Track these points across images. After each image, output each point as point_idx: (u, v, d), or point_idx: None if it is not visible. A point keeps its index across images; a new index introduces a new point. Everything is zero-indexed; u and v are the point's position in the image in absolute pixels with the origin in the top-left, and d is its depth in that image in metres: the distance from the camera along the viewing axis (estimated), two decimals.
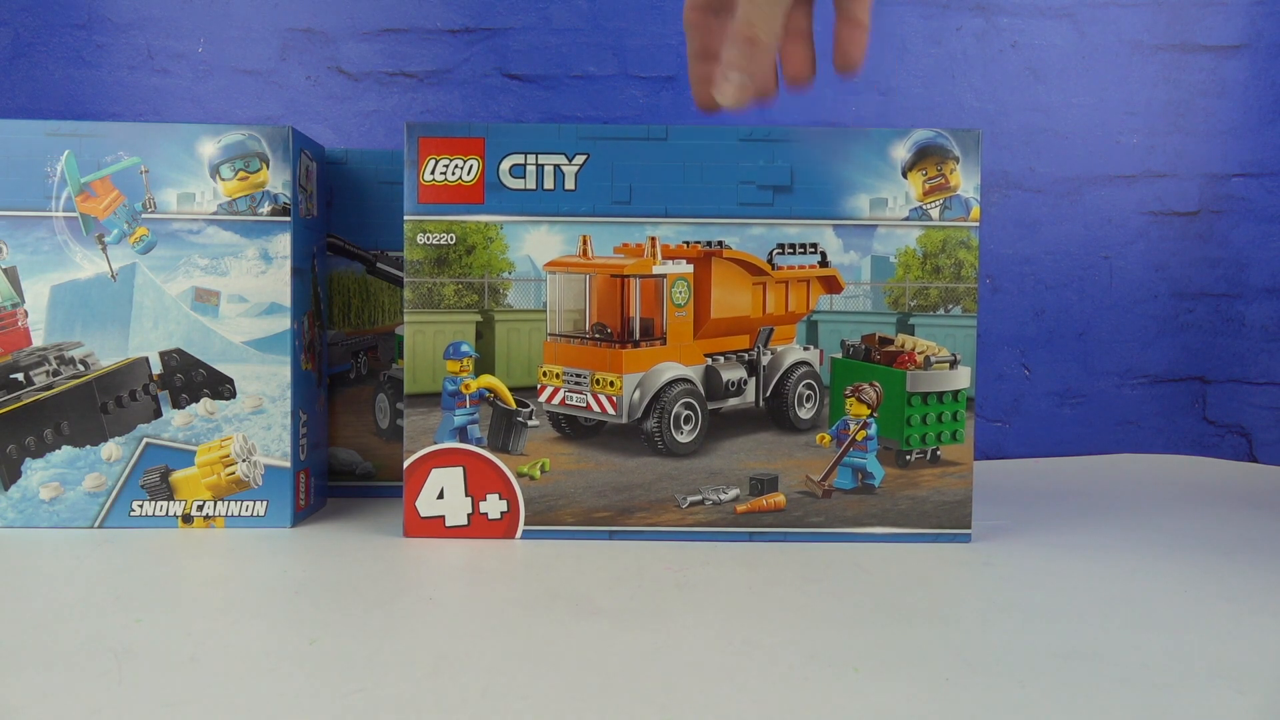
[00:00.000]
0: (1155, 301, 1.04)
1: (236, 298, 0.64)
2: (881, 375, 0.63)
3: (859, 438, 0.63)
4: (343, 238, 0.74)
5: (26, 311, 0.63)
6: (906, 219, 0.62)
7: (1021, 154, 1.02)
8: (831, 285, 0.63)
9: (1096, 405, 1.05)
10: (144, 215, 0.63)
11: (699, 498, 0.63)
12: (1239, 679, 0.40)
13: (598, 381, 0.63)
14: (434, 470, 0.62)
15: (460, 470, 0.62)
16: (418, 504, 0.62)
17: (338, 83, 0.98)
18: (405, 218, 0.62)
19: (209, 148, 0.63)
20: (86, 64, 0.97)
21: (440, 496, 0.62)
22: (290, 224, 0.64)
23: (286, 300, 0.64)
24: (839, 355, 0.63)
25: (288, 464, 0.64)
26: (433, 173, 0.62)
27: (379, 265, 0.75)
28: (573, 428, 0.63)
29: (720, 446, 0.63)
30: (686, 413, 0.63)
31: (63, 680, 0.38)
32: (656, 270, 0.62)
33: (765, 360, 0.65)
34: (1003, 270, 1.03)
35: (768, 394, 0.64)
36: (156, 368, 0.63)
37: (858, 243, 0.62)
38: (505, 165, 0.62)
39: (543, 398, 0.63)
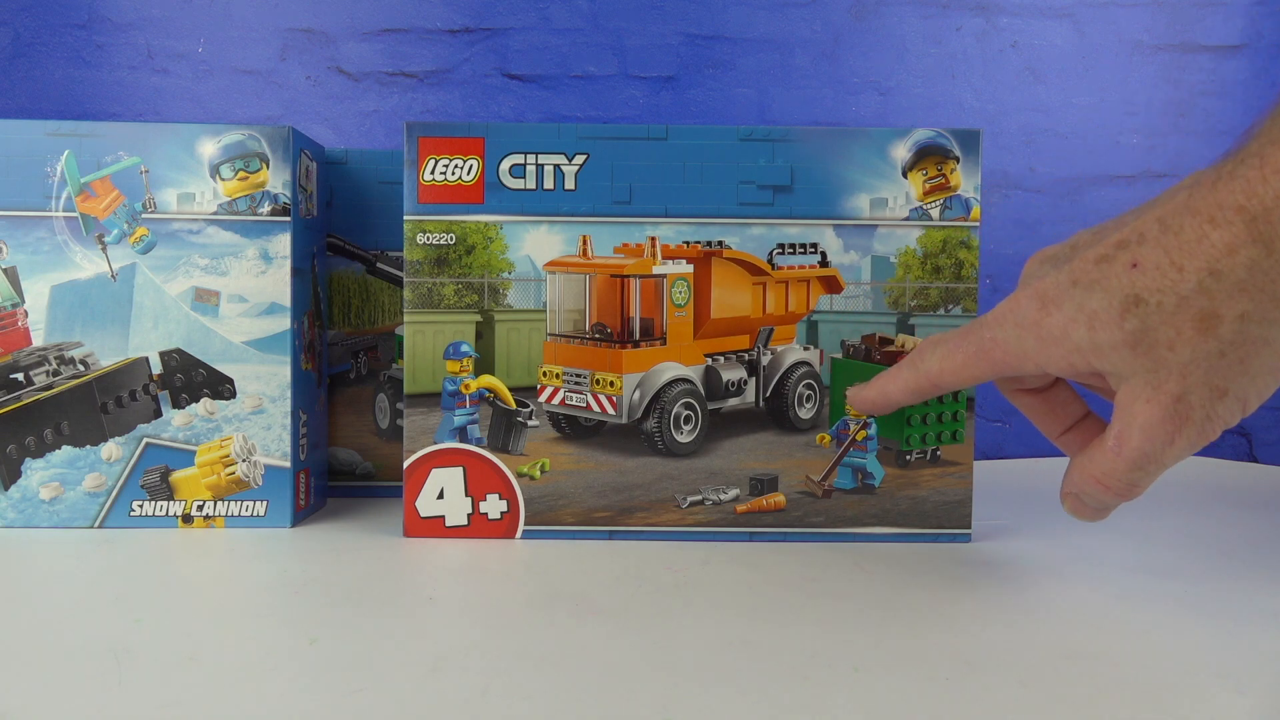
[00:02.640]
0: None
1: (236, 298, 0.64)
2: None
3: (859, 438, 0.63)
4: (343, 238, 0.74)
5: (26, 311, 0.63)
6: (906, 219, 0.62)
7: (1021, 154, 1.02)
8: (832, 285, 0.63)
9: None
10: (144, 215, 0.63)
11: (699, 498, 0.63)
12: (1239, 679, 0.40)
13: (598, 381, 0.63)
14: (434, 470, 0.62)
15: (460, 470, 0.62)
16: (418, 504, 0.62)
17: (338, 83, 0.98)
18: (405, 218, 0.62)
19: (209, 148, 0.63)
20: (86, 64, 0.97)
21: (440, 496, 0.62)
22: (290, 224, 0.64)
23: (286, 300, 0.64)
24: (839, 355, 0.63)
25: (288, 464, 0.64)
26: (432, 173, 0.62)
27: (379, 265, 0.75)
28: (573, 428, 0.63)
29: (720, 446, 0.63)
30: (686, 413, 0.63)
31: (63, 680, 0.38)
32: (656, 270, 0.62)
33: (765, 360, 0.65)
34: (1003, 270, 1.03)
35: (768, 394, 0.64)
36: (156, 368, 0.63)
37: (858, 243, 0.62)
38: (505, 165, 0.62)
39: (543, 398, 0.63)
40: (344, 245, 0.74)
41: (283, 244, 0.63)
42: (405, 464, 0.62)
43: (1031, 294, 0.43)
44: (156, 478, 0.63)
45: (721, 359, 0.65)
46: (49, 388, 0.63)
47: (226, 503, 0.64)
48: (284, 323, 0.64)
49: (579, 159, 0.62)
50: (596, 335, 0.63)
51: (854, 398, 0.52)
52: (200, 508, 0.64)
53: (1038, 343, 0.42)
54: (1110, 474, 0.43)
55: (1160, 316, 0.39)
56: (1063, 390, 0.48)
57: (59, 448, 0.63)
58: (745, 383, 0.65)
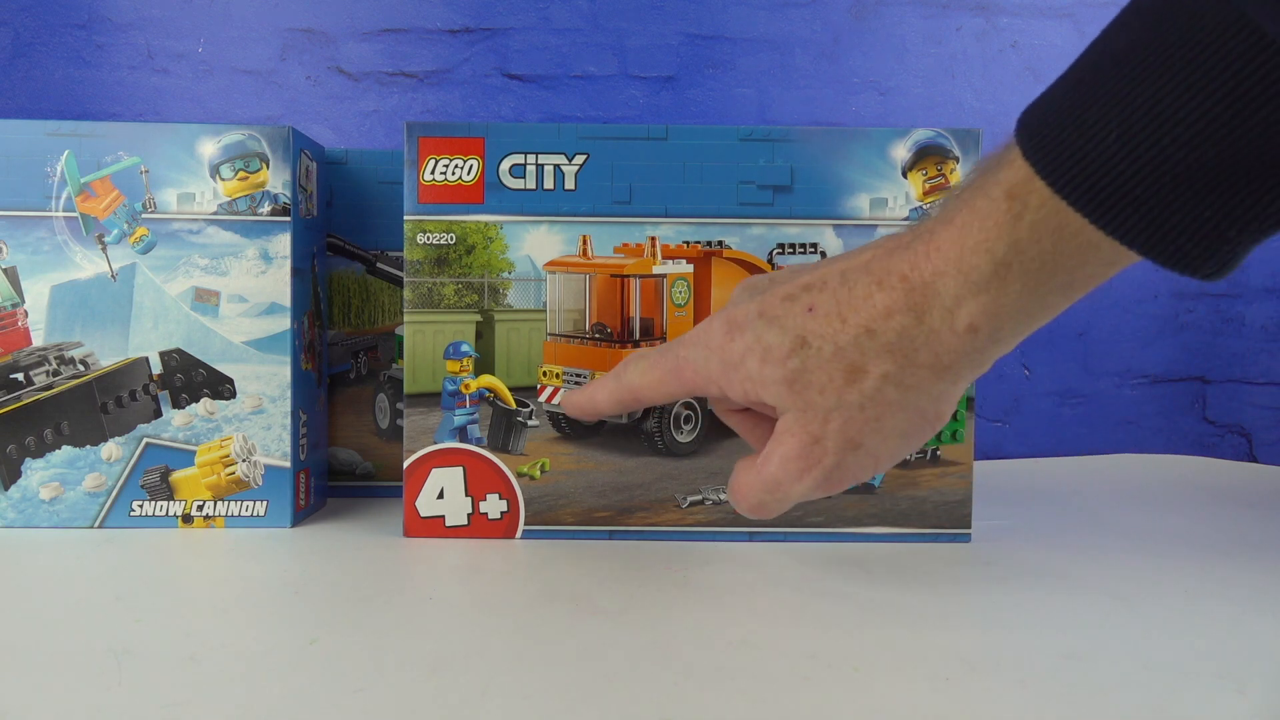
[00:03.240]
0: (1155, 301, 1.04)
1: (236, 298, 0.64)
2: None
3: None
4: (343, 238, 0.74)
5: (26, 311, 0.63)
6: (907, 219, 0.62)
7: None
8: None
9: (1096, 405, 1.05)
10: (144, 215, 0.63)
11: (699, 497, 0.63)
12: (1239, 679, 0.40)
13: None
14: (434, 470, 0.62)
15: (460, 470, 0.62)
16: (418, 504, 0.62)
17: (338, 83, 0.98)
18: (405, 218, 0.62)
19: (209, 148, 0.63)
20: (86, 64, 0.97)
21: (440, 496, 0.62)
22: (290, 224, 0.64)
23: (286, 300, 0.64)
24: None
25: (288, 464, 0.64)
26: (432, 173, 0.62)
27: (379, 265, 0.75)
28: (573, 427, 0.63)
29: (720, 446, 0.63)
30: (687, 412, 0.63)
31: (63, 680, 0.38)
32: (656, 270, 0.62)
33: None
34: None
35: None
36: (156, 368, 0.63)
37: (858, 243, 0.62)
38: (505, 165, 0.62)
39: (543, 397, 0.63)
40: (344, 245, 0.74)
41: (283, 244, 0.63)
42: (405, 464, 0.62)
43: (724, 319, 0.45)
44: (156, 478, 0.63)
45: None
46: (49, 388, 0.63)
47: (226, 503, 0.64)
48: (284, 323, 0.64)
49: (579, 159, 0.62)
50: (596, 335, 0.63)
51: (565, 401, 0.53)
52: (200, 508, 0.64)
53: (720, 367, 0.44)
54: (747, 487, 0.46)
55: (818, 361, 0.41)
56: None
57: (59, 448, 0.63)
58: None
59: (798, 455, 0.43)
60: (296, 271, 0.65)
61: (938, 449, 0.63)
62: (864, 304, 0.40)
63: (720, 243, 0.62)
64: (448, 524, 0.62)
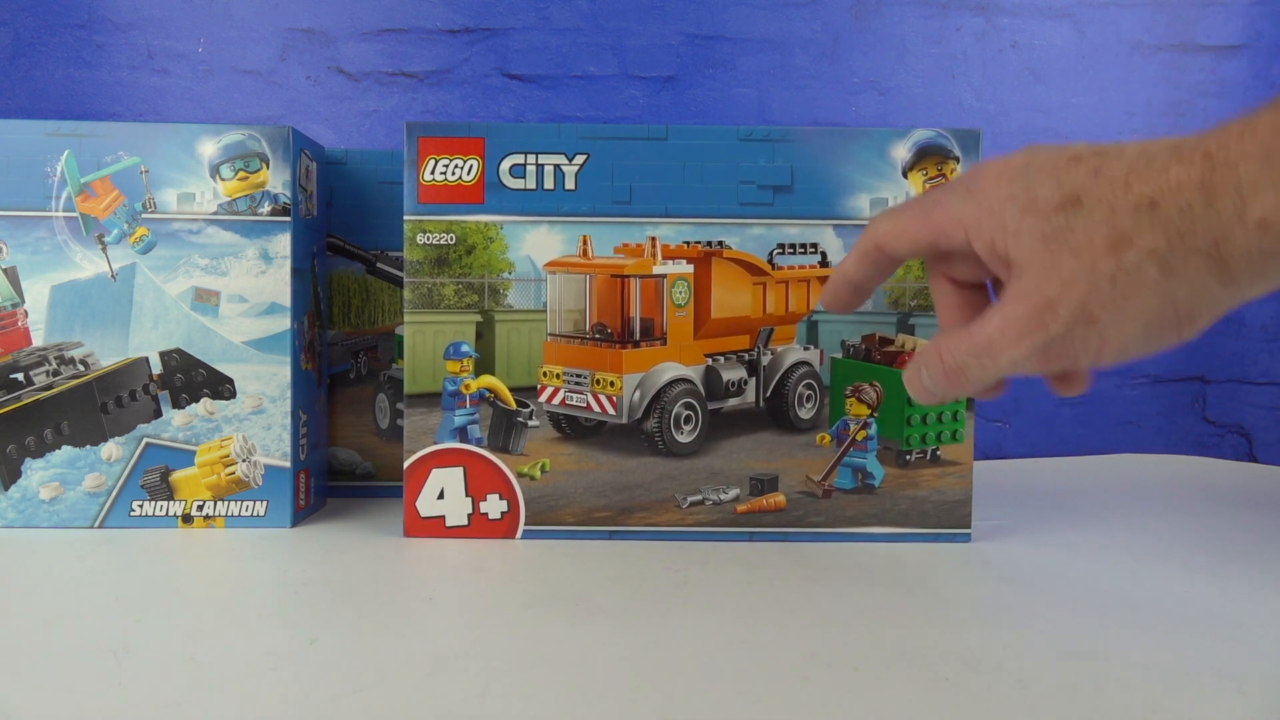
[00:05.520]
0: None
1: (236, 298, 0.64)
2: (882, 375, 0.63)
3: (859, 437, 0.63)
4: (343, 238, 0.74)
5: (26, 311, 0.63)
6: None
7: None
8: None
9: (1096, 405, 1.05)
10: (144, 215, 0.63)
11: (699, 498, 0.63)
12: (1239, 679, 0.40)
13: (598, 381, 0.63)
14: (434, 470, 0.62)
15: (460, 470, 0.62)
16: (418, 504, 0.62)
17: (338, 83, 0.98)
18: (405, 218, 0.62)
19: (209, 148, 0.63)
20: (86, 64, 0.97)
21: (440, 496, 0.62)
22: (290, 224, 0.64)
23: (286, 300, 0.64)
24: (839, 355, 0.63)
25: (288, 464, 0.64)
26: (433, 173, 0.62)
27: (379, 265, 0.75)
28: (573, 428, 0.63)
29: (720, 446, 0.63)
30: (687, 413, 0.63)
31: (63, 680, 0.38)
32: (656, 270, 0.62)
33: (765, 360, 0.65)
34: None
35: (768, 394, 0.64)
36: (156, 368, 0.63)
37: None
38: (505, 165, 0.62)
39: (543, 398, 0.63)
40: (344, 245, 0.74)
41: (283, 244, 0.63)
42: (405, 464, 0.62)
43: (998, 164, 0.42)
44: (156, 478, 0.63)
45: (722, 359, 0.65)
46: (49, 388, 0.63)
47: (226, 503, 0.64)
48: (284, 323, 0.64)
49: (579, 159, 0.62)
50: (597, 335, 0.63)
51: (827, 292, 0.48)
52: (200, 508, 0.64)
53: (976, 211, 0.41)
54: (952, 348, 0.42)
55: (1085, 221, 0.38)
56: (981, 296, 0.46)
57: (59, 448, 0.63)
58: (745, 383, 0.65)
59: (1024, 318, 0.39)
60: (296, 271, 0.65)
61: (938, 449, 0.63)
62: (1157, 175, 0.37)
63: (720, 243, 0.62)
64: (448, 524, 0.62)
